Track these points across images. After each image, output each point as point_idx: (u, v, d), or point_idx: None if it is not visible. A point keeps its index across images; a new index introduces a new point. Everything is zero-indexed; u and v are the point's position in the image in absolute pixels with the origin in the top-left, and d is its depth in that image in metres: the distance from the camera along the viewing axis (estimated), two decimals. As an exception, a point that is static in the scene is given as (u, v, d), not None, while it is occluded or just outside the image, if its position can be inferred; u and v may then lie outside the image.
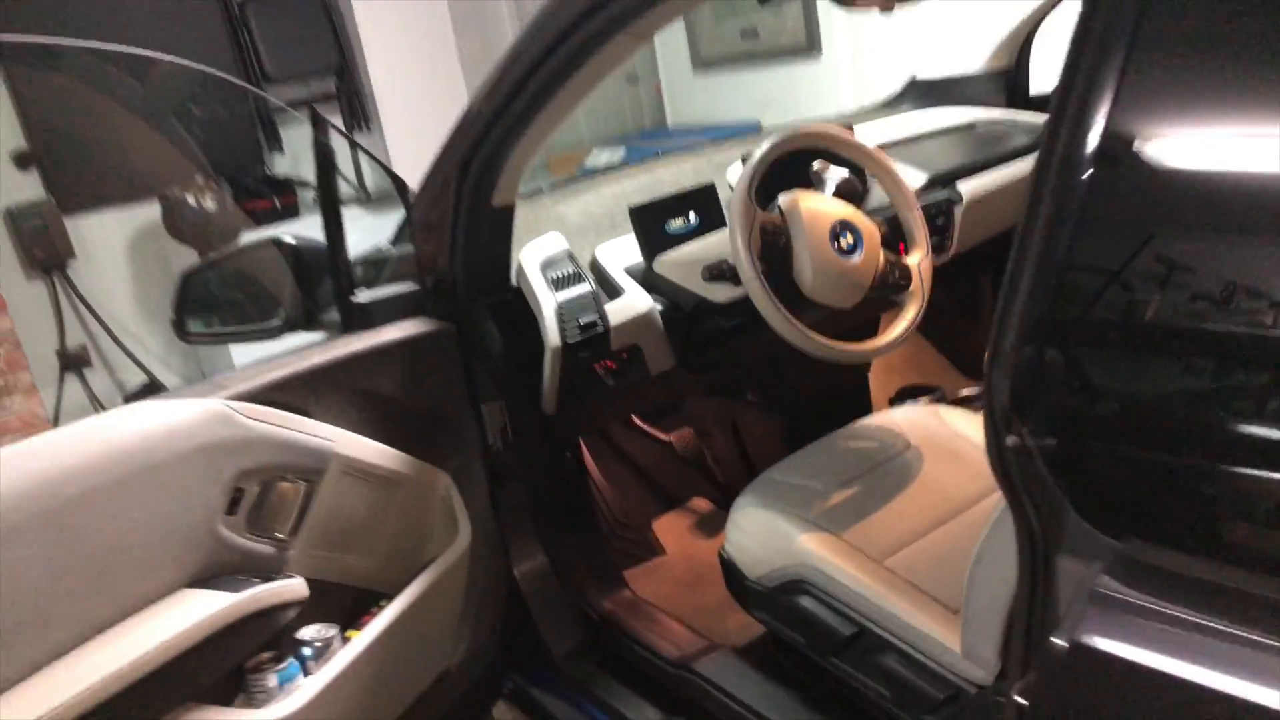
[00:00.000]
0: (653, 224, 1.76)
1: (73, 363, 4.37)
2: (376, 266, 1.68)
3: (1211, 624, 0.65)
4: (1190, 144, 0.69)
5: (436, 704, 1.44)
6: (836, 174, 1.69)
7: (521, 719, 1.72)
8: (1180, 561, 0.69)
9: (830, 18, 4.17)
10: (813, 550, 1.34)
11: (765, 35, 4.35)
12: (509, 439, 1.64)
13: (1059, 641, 0.69)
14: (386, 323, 1.47)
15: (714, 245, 1.64)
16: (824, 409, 1.74)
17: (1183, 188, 0.70)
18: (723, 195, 1.80)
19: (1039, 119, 2.13)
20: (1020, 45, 2.32)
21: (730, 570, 1.47)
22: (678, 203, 1.79)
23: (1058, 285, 0.73)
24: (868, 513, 1.40)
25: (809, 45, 4.28)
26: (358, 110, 4.79)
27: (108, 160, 4.36)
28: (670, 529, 2.09)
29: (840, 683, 1.33)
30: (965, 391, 2.22)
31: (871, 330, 1.94)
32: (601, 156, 4.42)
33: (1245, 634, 0.63)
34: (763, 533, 1.43)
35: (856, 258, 1.49)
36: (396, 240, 1.68)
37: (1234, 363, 0.68)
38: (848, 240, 1.49)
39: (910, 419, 1.64)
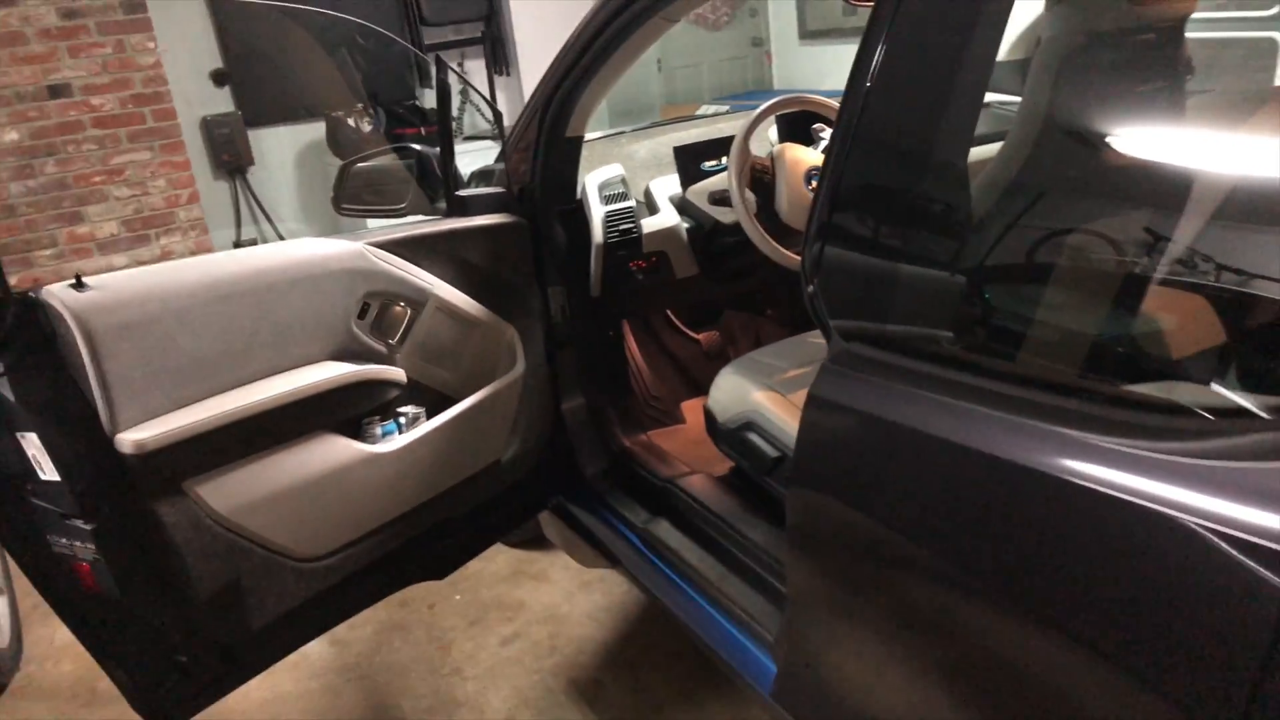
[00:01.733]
0: (691, 161, 2.27)
1: (246, 251, 5.14)
2: (484, 176, 2.25)
3: (887, 383, 1.15)
4: (899, 126, 1.18)
5: (489, 483, 2.01)
6: (830, 135, 2.15)
7: (560, 524, 2.28)
8: (878, 353, 1.19)
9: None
10: (761, 402, 1.84)
11: (865, 11, 4.71)
12: (567, 315, 2.19)
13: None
14: (480, 214, 2.03)
15: (727, 180, 2.13)
16: None
17: (891, 160, 1.20)
18: (762, 147, 2.26)
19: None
20: (1036, 39, 2.68)
21: (709, 416, 1.98)
22: (713, 146, 2.29)
23: (831, 205, 1.21)
24: (809, 383, 1.89)
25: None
26: (500, 55, 5.38)
27: (287, 83, 5.10)
28: (693, 408, 2.61)
29: (769, 495, 1.84)
30: None
31: None
32: (709, 110, 4.89)
33: (907, 388, 1.12)
34: (733, 390, 1.93)
35: (823, 196, 1.97)
36: (498, 160, 2.24)
37: (906, 249, 1.20)
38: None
39: None
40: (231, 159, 4.99)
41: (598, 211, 2.13)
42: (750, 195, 1.95)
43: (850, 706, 1.35)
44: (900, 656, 1.21)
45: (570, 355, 2.21)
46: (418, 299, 1.82)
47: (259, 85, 5.02)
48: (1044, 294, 1.13)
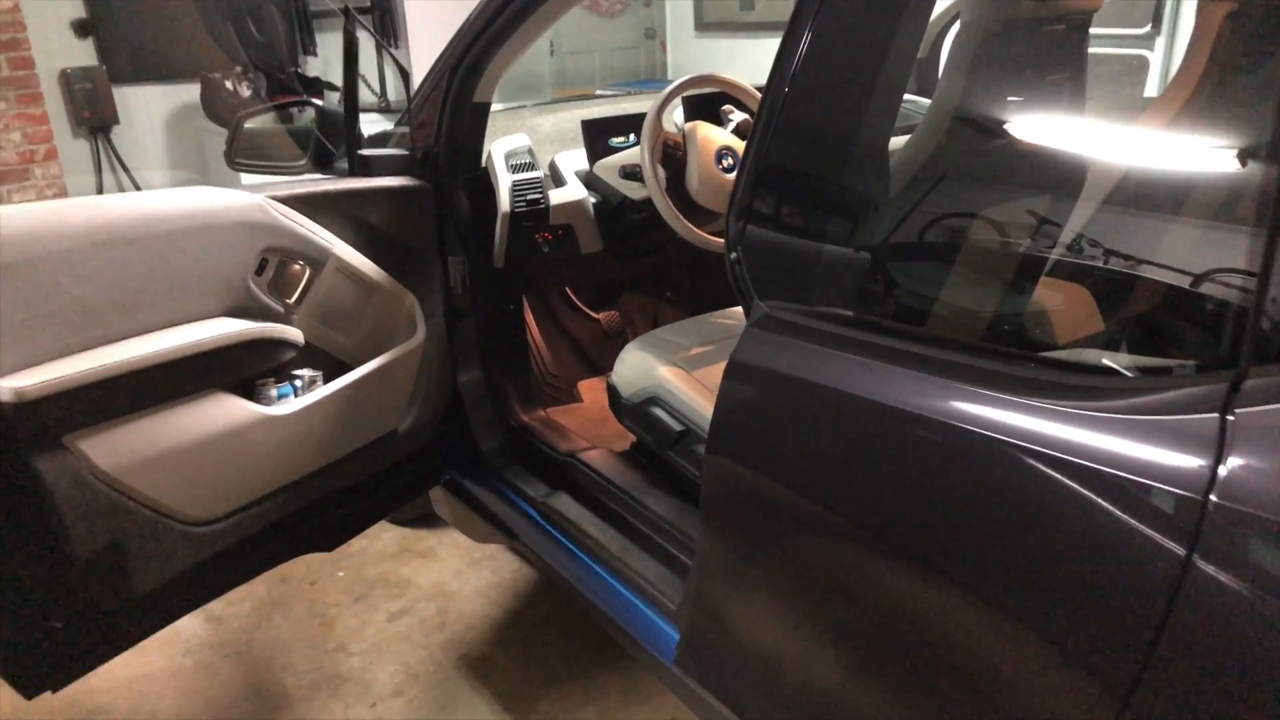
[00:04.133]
0: (598, 137, 2.27)
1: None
2: (384, 139, 2.18)
3: (801, 341, 1.19)
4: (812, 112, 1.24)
5: (384, 453, 1.96)
6: (740, 116, 2.19)
7: (453, 499, 2.24)
8: (792, 311, 1.24)
9: None
10: (666, 377, 1.85)
11: (760, 8, 4.82)
12: (467, 286, 2.15)
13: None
14: (382, 175, 1.97)
15: (638, 155, 2.14)
16: (722, 307, 2.23)
17: (799, 141, 1.26)
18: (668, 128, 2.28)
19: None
20: (934, 39, 2.80)
21: (612, 391, 1.98)
22: (621, 122, 2.30)
23: (752, 188, 1.27)
24: (712, 360, 1.91)
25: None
26: (388, 27, 5.22)
27: (158, 38, 4.82)
28: (590, 388, 2.61)
29: (671, 468, 1.86)
30: None
31: None
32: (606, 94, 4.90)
33: (817, 346, 1.17)
34: (637, 366, 1.94)
35: (732, 175, 2.00)
36: (399, 122, 2.18)
37: (815, 227, 1.26)
38: (728, 161, 1.99)
39: None
40: (94, 116, 4.68)
41: (504, 180, 2.10)
42: (661, 171, 1.96)
43: (754, 668, 1.38)
44: (811, 613, 1.25)
45: (469, 327, 2.17)
46: (318, 258, 1.76)
47: (126, 39, 4.72)
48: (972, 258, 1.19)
